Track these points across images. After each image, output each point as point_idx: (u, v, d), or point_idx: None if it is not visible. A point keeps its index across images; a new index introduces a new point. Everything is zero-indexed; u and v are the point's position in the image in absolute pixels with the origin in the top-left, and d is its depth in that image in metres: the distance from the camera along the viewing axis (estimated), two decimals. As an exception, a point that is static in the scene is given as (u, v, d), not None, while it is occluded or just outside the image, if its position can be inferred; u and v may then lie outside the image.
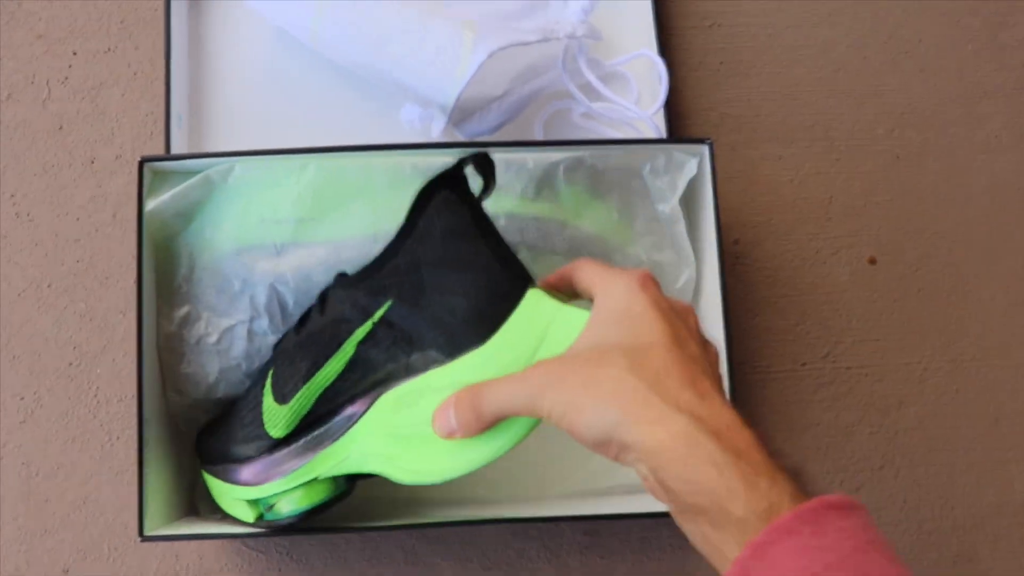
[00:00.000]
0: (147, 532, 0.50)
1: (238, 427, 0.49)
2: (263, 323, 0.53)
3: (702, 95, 0.66)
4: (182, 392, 0.54)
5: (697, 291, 0.57)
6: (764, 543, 0.31)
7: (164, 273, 0.54)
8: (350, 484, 0.49)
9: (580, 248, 0.54)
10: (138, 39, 0.65)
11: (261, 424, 0.47)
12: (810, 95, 0.67)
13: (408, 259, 0.44)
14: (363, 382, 0.45)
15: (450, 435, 0.41)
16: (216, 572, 0.59)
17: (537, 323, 0.41)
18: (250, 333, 0.53)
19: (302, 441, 0.46)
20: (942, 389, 0.64)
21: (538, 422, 0.41)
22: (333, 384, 0.45)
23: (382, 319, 0.44)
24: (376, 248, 0.51)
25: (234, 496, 0.49)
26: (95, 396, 0.61)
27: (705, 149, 0.53)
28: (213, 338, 0.53)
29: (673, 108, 0.64)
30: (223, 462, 0.49)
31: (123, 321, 0.61)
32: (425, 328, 0.43)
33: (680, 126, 0.64)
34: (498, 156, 0.53)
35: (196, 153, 0.57)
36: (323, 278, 0.52)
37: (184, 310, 0.54)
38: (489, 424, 0.40)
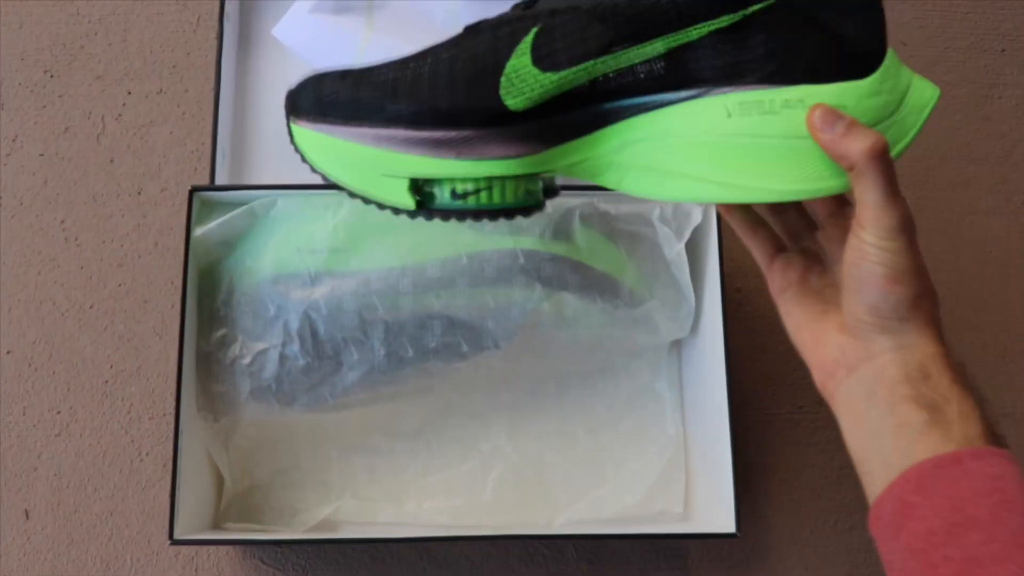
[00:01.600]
0: (177, 536, 0.53)
1: (435, 84, 0.38)
2: (295, 347, 0.56)
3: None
4: (213, 410, 0.58)
5: (695, 328, 0.61)
6: (967, 456, 0.34)
7: (205, 297, 0.58)
8: (545, 197, 0.42)
9: (591, 286, 0.58)
10: (188, 82, 0.70)
11: (492, 87, 0.38)
12: (810, 156, 0.71)
13: None
14: (695, 72, 0.38)
15: (826, 134, 0.37)
16: (235, 585, 0.62)
17: (901, 80, 0.38)
18: (282, 357, 0.56)
19: (549, 121, 0.38)
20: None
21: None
22: (640, 65, 0.38)
23: (753, 16, 0.37)
24: (404, 281, 0.56)
25: (395, 169, 0.39)
26: (127, 413, 0.64)
27: (711, 200, 0.57)
28: (246, 360, 0.57)
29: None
30: (390, 121, 0.38)
31: (159, 343, 0.65)
32: (812, 41, 0.37)
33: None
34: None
35: (242, 185, 0.62)
36: (353, 307, 0.56)
37: (221, 332, 0.57)
38: (850, 161, 0.36)
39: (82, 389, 0.65)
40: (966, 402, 0.36)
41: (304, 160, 0.41)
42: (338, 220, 0.56)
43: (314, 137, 0.40)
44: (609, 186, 0.41)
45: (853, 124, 0.36)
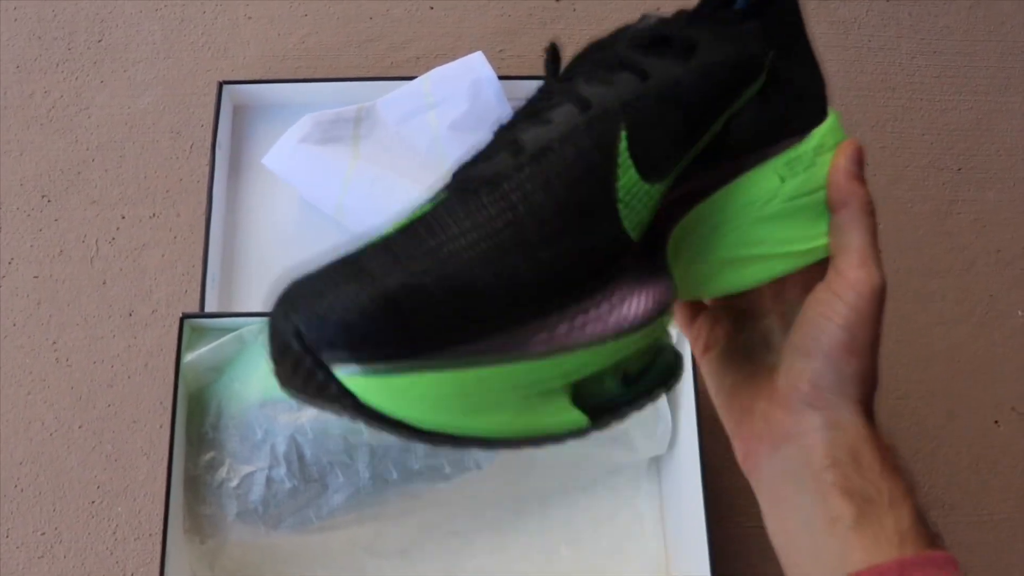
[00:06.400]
0: (161, 668, 0.53)
1: (547, 236, 0.28)
2: (281, 471, 0.57)
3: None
4: (200, 532, 0.59)
5: (672, 444, 0.62)
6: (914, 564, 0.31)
7: (193, 420, 0.59)
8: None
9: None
10: (180, 207, 0.72)
11: (611, 213, 0.29)
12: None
13: (786, 17, 0.36)
14: (738, 143, 0.34)
15: (853, 168, 0.35)
16: None
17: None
18: (269, 480, 0.58)
19: (652, 246, 0.31)
20: (911, 545, 0.68)
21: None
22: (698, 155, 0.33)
23: (770, 69, 0.34)
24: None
25: (549, 380, 0.27)
26: (113, 534, 0.65)
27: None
28: (234, 482, 0.58)
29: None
30: (517, 313, 0.26)
31: (146, 463, 0.66)
32: (804, 80, 0.36)
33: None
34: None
35: (231, 312, 0.64)
36: (339, 430, 0.57)
37: (209, 455, 0.59)
38: (846, 197, 0.35)
39: (68, 510, 0.65)
40: (897, 488, 0.33)
41: (392, 426, 0.25)
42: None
43: (414, 383, 0.25)
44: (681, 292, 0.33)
45: (861, 173, 0.36)
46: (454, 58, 0.72)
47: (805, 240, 0.35)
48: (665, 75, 0.31)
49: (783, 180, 0.35)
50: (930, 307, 0.74)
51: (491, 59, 0.72)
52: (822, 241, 0.35)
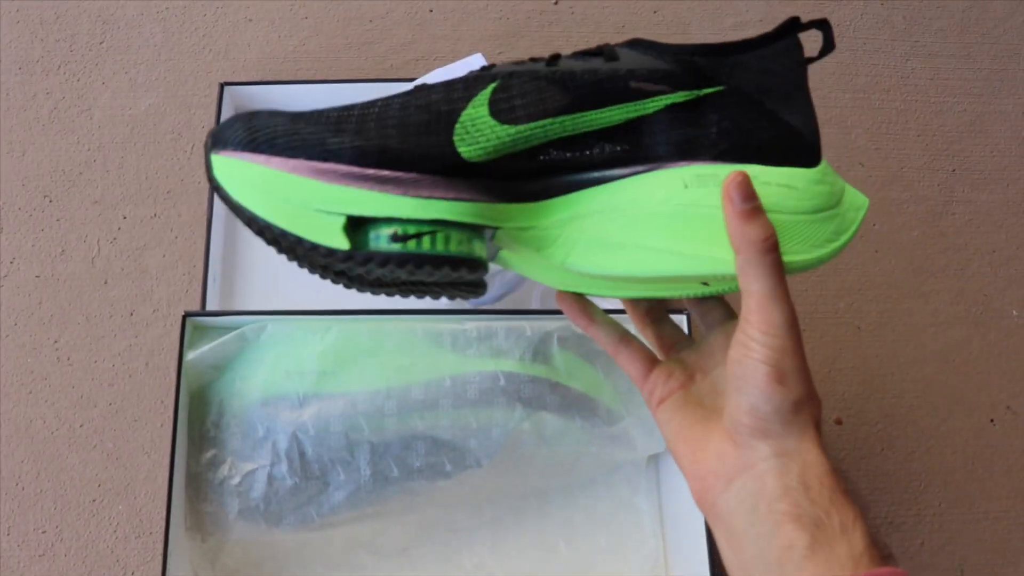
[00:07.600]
0: (163, 664, 0.53)
1: (384, 125, 0.37)
2: (283, 468, 0.58)
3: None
4: (201, 530, 0.59)
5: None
6: None
7: (195, 418, 0.60)
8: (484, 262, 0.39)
9: (570, 405, 0.60)
10: (181, 208, 0.73)
11: (446, 133, 0.37)
12: (777, 270, 0.75)
13: (757, 63, 0.40)
14: (650, 146, 0.38)
15: (736, 205, 0.37)
16: None
17: (838, 181, 0.40)
18: (270, 477, 0.58)
19: (500, 182, 0.38)
20: (908, 541, 0.68)
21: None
22: (596, 132, 0.38)
23: (706, 98, 0.39)
24: (389, 403, 0.58)
25: (332, 204, 0.35)
26: (114, 532, 0.65)
27: (684, 318, 0.60)
28: (235, 480, 0.58)
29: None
30: (331, 155, 0.35)
31: (147, 462, 0.66)
32: (761, 125, 0.39)
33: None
34: (499, 324, 0.60)
35: (233, 311, 0.64)
36: (340, 428, 0.57)
37: (211, 453, 0.59)
38: (739, 242, 0.37)
39: (69, 508, 0.65)
40: (848, 513, 0.35)
41: (222, 195, 0.36)
42: (326, 344, 0.58)
43: (239, 166, 0.36)
44: (555, 261, 0.39)
45: (760, 210, 0.36)
46: (453, 60, 0.73)
47: (699, 245, 0.37)
48: (567, 68, 0.39)
49: (686, 187, 0.38)
50: (925, 307, 0.75)
51: (489, 61, 0.72)
52: (709, 252, 0.37)
